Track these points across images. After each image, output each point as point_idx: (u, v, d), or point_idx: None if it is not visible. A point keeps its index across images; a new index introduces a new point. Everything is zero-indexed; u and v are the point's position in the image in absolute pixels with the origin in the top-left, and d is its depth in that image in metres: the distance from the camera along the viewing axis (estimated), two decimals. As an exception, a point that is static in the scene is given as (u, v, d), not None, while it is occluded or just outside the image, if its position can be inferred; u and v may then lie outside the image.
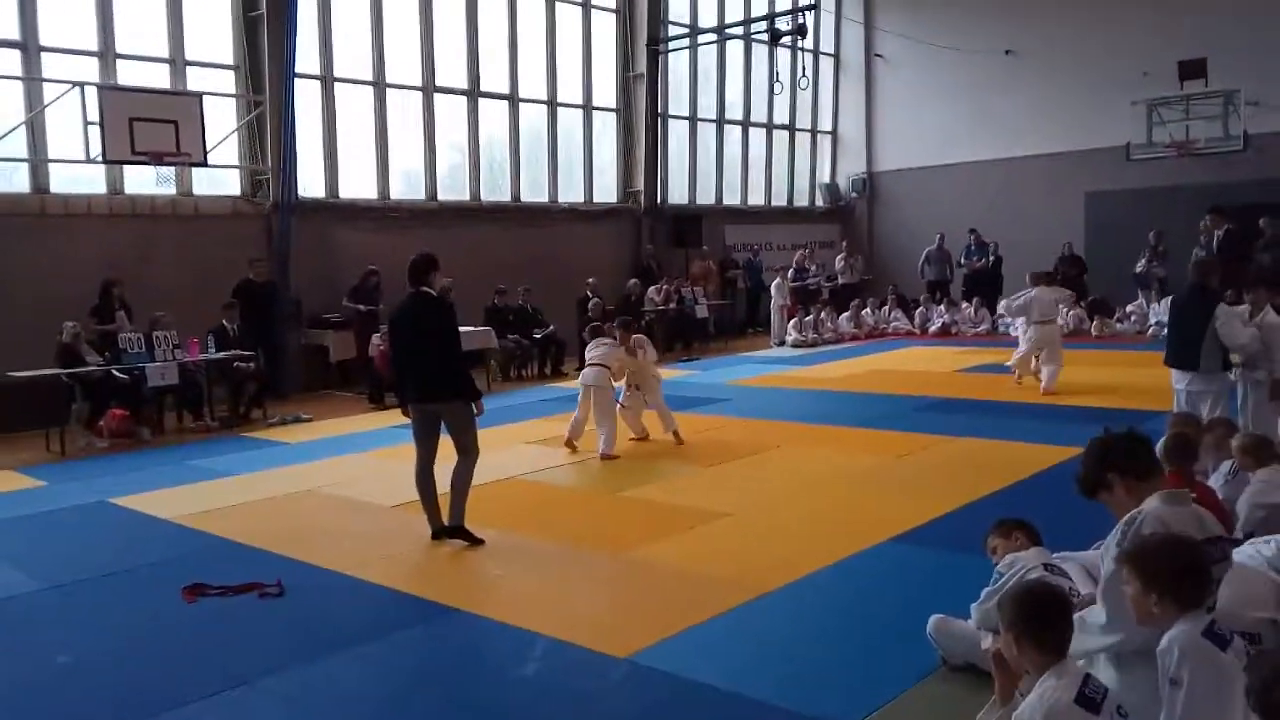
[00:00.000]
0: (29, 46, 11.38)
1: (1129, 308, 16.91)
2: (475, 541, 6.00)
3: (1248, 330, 6.73)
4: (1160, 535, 2.99)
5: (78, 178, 11.76)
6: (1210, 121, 16.18)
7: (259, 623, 4.92)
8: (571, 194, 17.58)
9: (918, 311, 18.64)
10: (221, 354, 10.89)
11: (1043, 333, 11.18)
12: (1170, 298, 8.66)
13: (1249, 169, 16.25)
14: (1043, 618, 2.85)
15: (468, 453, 6.11)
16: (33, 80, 11.32)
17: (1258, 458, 5.15)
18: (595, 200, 17.93)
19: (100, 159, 11.14)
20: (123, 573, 5.82)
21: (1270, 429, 6.66)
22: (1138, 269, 16.92)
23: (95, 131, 10.94)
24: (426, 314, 6.03)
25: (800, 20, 17.49)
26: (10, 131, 11.03)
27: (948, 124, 20.62)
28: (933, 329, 17.92)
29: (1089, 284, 17.51)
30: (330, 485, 7.77)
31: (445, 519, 6.07)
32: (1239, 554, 3.77)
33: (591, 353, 9.01)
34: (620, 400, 8.96)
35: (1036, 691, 2.82)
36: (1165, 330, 8.65)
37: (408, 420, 6.26)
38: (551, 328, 14.62)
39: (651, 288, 16.57)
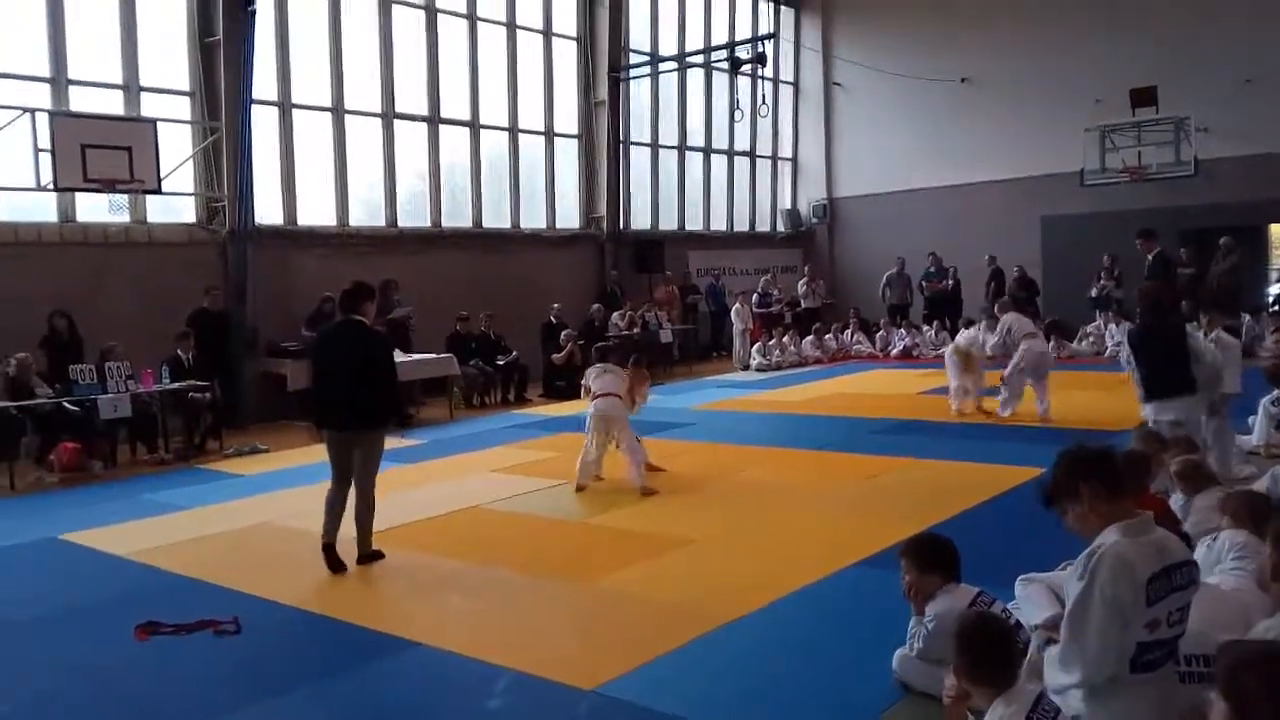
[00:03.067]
0: (-22, 73, 11.18)
1: (1087, 329, 17.19)
2: (377, 556, 6.19)
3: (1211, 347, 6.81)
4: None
5: (28, 206, 11.50)
6: (1161, 147, 16.49)
7: (215, 662, 4.77)
8: (534, 220, 17.54)
9: (879, 335, 18.78)
10: (176, 384, 10.68)
11: (1033, 345, 10.61)
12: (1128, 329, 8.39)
13: (1200, 193, 16.59)
14: (985, 651, 2.96)
15: (365, 489, 6.20)
16: (-18, 107, 11.10)
17: (1193, 483, 5.12)
18: (558, 226, 17.90)
19: (51, 187, 10.93)
20: (73, 611, 5.65)
21: (1227, 447, 6.75)
22: (1093, 293, 17.23)
23: (46, 159, 10.74)
24: (359, 341, 6.18)
25: (760, 49, 17.69)
26: (-42, 159, 10.79)
27: (906, 150, 20.89)
28: (894, 352, 18.03)
29: (1041, 307, 17.73)
30: (288, 517, 7.60)
31: (357, 549, 6.20)
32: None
33: (597, 381, 8.34)
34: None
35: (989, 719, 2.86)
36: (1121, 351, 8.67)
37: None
38: (515, 354, 14.53)
39: (615, 313, 16.55)
